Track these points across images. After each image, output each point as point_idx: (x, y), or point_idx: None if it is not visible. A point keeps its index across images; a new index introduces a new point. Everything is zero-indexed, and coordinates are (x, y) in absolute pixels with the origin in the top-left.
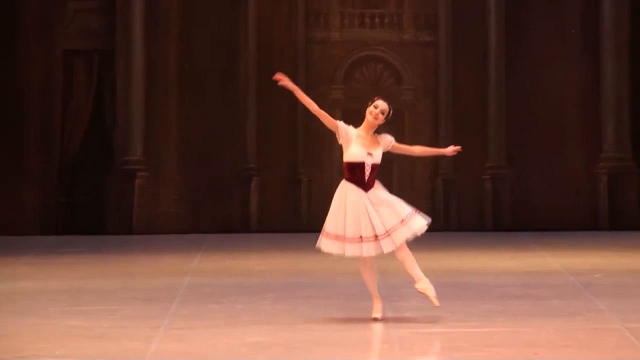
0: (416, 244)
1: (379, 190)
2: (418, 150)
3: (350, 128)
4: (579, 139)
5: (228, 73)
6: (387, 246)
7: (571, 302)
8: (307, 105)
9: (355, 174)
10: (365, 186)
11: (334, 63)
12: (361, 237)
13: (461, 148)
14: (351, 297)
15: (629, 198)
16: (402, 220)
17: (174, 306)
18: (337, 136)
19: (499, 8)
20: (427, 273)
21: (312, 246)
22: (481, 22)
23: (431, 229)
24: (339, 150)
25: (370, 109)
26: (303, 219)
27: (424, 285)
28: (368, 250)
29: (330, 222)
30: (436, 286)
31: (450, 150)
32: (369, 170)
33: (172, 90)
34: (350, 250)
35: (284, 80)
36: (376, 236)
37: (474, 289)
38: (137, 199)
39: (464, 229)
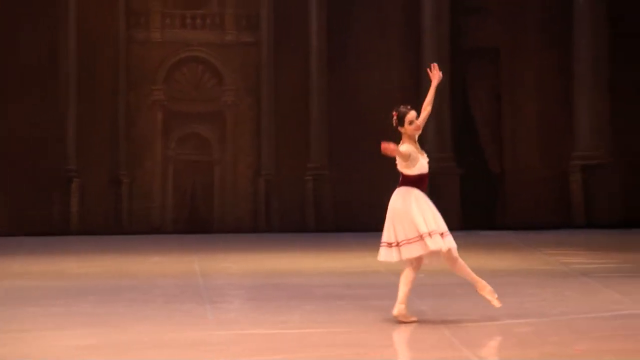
0: (236, 244)
1: None
2: None
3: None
4: (400, 138)
5: (48, 72)
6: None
7: (392, 303)
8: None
9: (424, 183)
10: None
11: (155, 64)
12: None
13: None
14: (173, 298)
15: (450, 198)
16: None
17: None
18: (407, 156)
19: (320, 7)
20: (249, 274)
21: (133, 247)
22: (303, 21)
23: (253, 229)
24: (161, 150)
25: (407, 126)
26: (124, 220)
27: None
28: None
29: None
30: (258, 287)
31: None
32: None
33: None
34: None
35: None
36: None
37: (296, 290)
38: None
39: (286, 229)
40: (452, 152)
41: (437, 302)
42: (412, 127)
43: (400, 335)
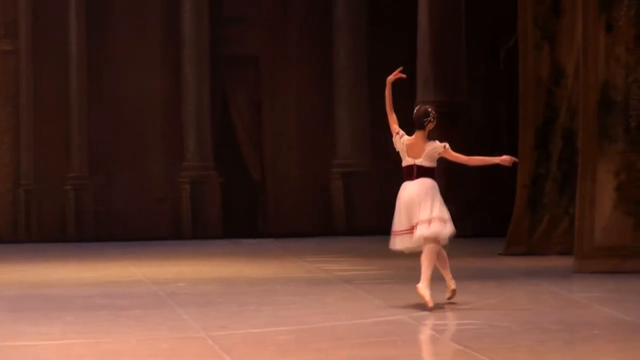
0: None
1: None
2: None
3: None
4: (162, 147)
5: None
6: None
7: (154, 312)
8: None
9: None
10: None
11: None
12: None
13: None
14: None
15: (211, 206)
16: None
17: None
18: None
19: (79, 15)
20: (9, 285)
21: None
22: (62, 29)
23: (13, 240)
24: None
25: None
26: None
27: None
28: None
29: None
30: (18, 299)
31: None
32: None
33: None
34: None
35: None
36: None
37: (56, 300)
38: None
39: (46, 240)
40: (212, 161)
41: (198, 310)
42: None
43: (164, 345)
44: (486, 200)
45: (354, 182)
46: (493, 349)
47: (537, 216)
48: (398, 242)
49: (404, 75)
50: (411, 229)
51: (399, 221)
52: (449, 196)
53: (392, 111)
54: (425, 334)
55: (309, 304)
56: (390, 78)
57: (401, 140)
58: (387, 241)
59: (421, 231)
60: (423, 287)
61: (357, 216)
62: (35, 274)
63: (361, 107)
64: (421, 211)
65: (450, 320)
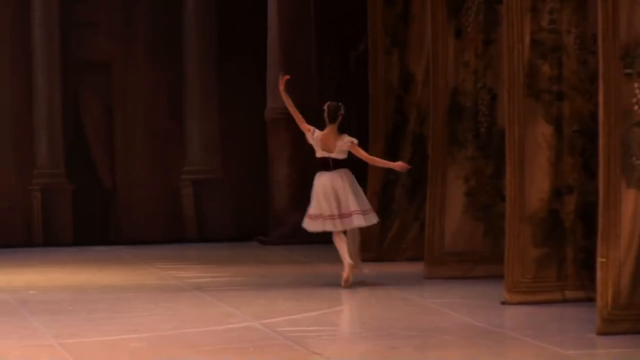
0: None
1: None
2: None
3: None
4: (12, 155)
5: None
6: None
7: (5, 320)
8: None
9: None
10: None
11: None
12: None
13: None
14: None
15: (62, 214)
16: None
17: None
18: None
19: None
20: None
21: None
22: None
23: None
24: None
25: None
26: None
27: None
28: None
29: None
30: None
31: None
32: None
33: None
34: None
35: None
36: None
37: None
38: None
39: None
40: (64, 168)
41: (50, 318)
42: None
43: (15, 353)
44: None
45: (204, 189)
46: (345, 355)
47: (387, 222)
48: (319, 225)
49: (288, 76)
50: (338, 216)
51: (321, 206)
52: (303, 204)
53: (297, 112)
54: (276, 340)
55: (161, 311)
56: (281, 88)
57: (314, 135)
58: (238, 248)
59: (359, 221)
60: (353, 264)
61: (208, 223)
62: None
63: (212, 114)
64: (350, 201)
65: (302, 326)
